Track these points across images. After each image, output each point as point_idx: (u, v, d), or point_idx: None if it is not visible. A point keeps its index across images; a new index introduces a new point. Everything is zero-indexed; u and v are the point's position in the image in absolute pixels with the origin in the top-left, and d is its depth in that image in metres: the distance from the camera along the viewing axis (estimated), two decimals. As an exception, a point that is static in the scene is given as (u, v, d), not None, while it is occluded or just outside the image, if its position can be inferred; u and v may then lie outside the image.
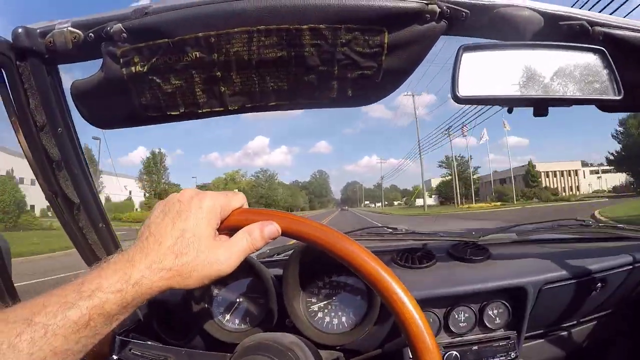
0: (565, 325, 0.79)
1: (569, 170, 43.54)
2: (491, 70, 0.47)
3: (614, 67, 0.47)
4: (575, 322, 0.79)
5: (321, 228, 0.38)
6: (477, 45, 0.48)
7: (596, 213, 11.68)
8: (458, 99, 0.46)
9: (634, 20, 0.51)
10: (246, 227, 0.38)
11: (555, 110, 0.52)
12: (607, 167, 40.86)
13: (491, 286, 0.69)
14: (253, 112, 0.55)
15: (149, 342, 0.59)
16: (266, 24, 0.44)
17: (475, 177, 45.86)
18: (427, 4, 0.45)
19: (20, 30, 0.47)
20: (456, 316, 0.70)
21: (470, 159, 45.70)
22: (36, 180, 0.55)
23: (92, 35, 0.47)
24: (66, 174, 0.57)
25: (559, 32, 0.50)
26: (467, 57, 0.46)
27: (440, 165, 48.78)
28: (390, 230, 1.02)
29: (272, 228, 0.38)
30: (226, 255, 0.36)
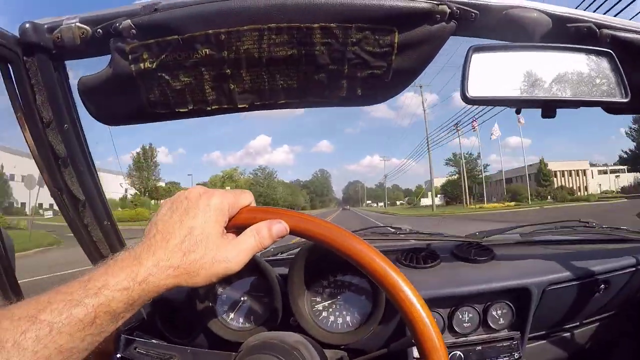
0: (568, 326, 0.79)
1: (577, 170, 41.80)
2: (500, 71, 0.47)
3: (621, 69, 0.47)
4: (578, 323, 0.79)
5: (329, 226, 0.38)
6: (486, 46, 0.48)
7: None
8: (467, 100, 0.46)
9: (642, 23, 0.51)
10: (254, 225, 0.38)
11: (557, 112, 0.53)
12: (615, 167, 40.05)
13: (495, 287, 0.69)
14: (262, 110, 0.55)
15: (154, 341, 0.59)
16: (277, 22, 0.44)
17: (489, 174, 43.97)
18: (437, 5, 0.45)
19: (27, 25, 0.47)
20: (460, 316, 0.70)
21: (479, 156, 43.86)
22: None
23: (101, 31, 0.47)
24: (72, 171, 0.56)
25: (566, 34, 0.50)
26: (476, 58, 0.47)
27: (447, 163, 47.03)
28: (394, 230, 1.02)
29: (280, 226, 0.38)
30: (234, 253, 0.36)
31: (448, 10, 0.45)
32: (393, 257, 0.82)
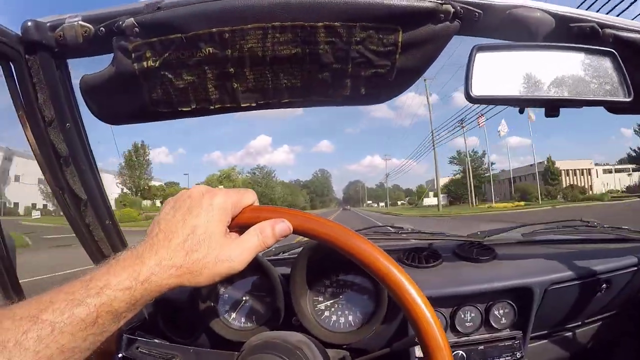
0: (570, 325, 0.79)
1: (582, 169, 40.66)
2: (504, 71, 0.47)
3: (624, 69, 0.48)
4: (580, 322, 0.79)
5: (333, 226, 0.38)
6: (490, 46, 0.48)
7: None
8: (471, 99, 0.46)
9: (645, 22, 0.51)
10: (257, 225, 0.37)
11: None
12: (620, 167, 39.44)
13: (497, 286, 0.69)
14: (265, 110, 0.55)
15: (156, 340, 0.59)
16: (281, 21, 0.44)
17: (492, 174, 41.90)
18: (441, 4, 0.45)
19: (29, 23, 0.47)
20: (462, 316, 0.70)
21: (484, 154, 42.44)
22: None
23: (103, 29, 0.47)
24: (74, 170, 0.56)
25: (569, 33, 0.50)
26: (480, 57, 0.47)
27: (451, 162, 45.24)
28: (396, 229, 1.02)
29: (283, 226, 0.38)
30: (237, 253, 0.36)
31: (452, 10, 0.45)
32: (395, 257, 0.82)
